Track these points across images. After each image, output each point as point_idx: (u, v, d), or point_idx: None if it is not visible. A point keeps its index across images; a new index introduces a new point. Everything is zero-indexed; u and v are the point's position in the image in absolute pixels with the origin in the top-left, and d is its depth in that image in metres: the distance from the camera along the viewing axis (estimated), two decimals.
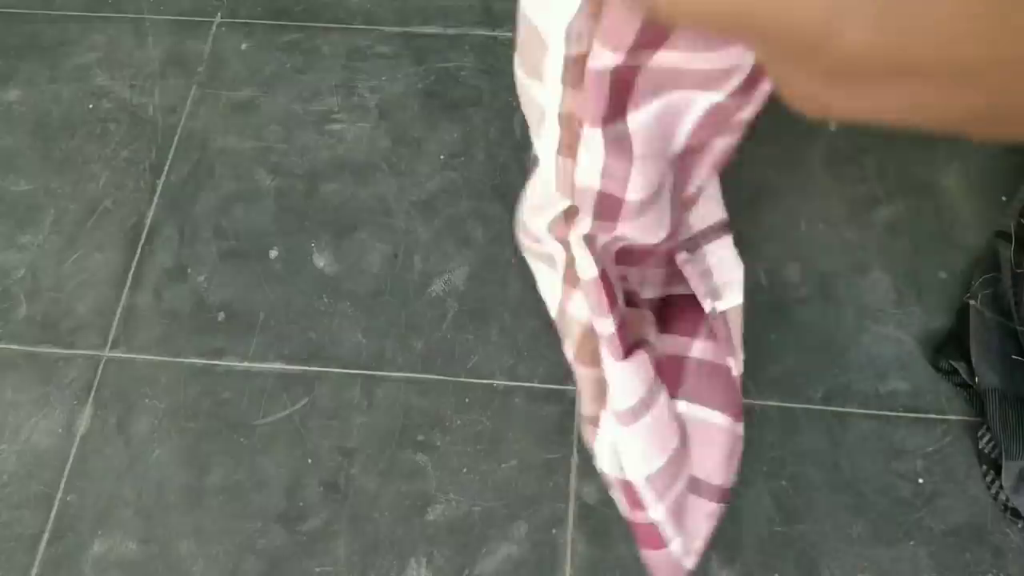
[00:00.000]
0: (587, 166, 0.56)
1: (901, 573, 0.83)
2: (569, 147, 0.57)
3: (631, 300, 0.74)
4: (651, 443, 0.71)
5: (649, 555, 0.75)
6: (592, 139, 0.54)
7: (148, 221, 1.05)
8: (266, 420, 0.93)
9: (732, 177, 1.05)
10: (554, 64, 0.52)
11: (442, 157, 1.08)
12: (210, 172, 1.08)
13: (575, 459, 0.90)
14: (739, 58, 0.52)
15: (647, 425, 0.70)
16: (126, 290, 1.00)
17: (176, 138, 1.10)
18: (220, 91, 1.14)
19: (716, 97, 0.55)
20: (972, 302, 0.89)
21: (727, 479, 0.76)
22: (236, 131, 1.11)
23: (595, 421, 0.72)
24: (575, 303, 0.71)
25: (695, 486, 0.75)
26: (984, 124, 0.25)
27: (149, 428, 0.92)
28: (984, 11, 0.22)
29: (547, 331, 0.96)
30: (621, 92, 0.52)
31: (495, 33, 1.17)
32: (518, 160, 1.07)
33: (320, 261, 1.02)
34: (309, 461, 0.90)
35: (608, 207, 0.59)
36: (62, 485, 0.90)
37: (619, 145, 0.55)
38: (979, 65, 0.23)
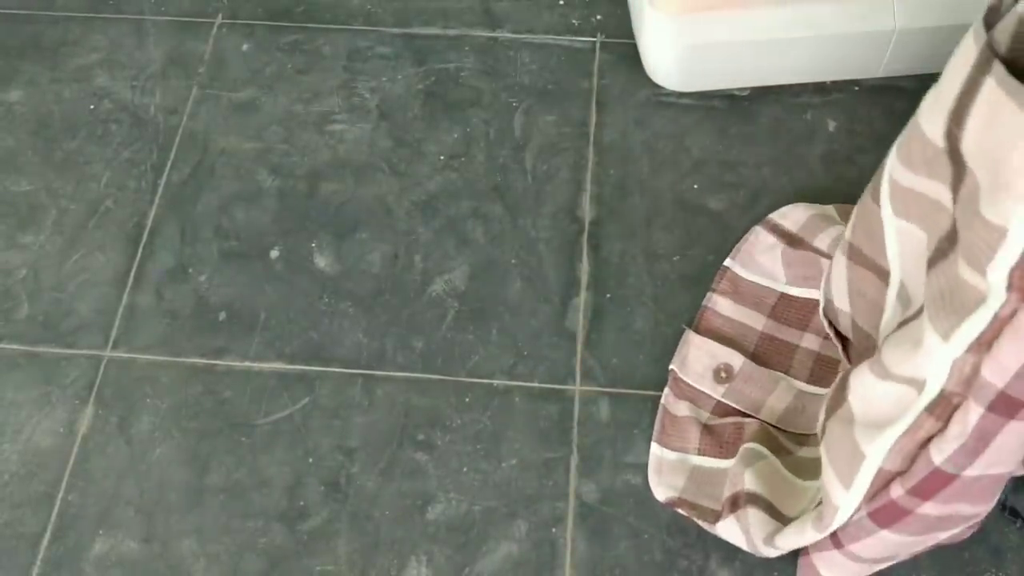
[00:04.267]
0: (1006, 362, 0.57)
1: (900, 572, 0.83)
2: (986, 343, 0.57)
3: None
4: None
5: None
6: None
7: (149, 221, 1.05)
8: (267, 419, 0.93)
9: (732, 177, 1.06)
10: (1006, 258, 0.54)
11: (442, 157, 1.08)
12: (211, 172, 1.08)
13: (575, 459, 0.90)
14: None
15: None
16: (127, 290, 1.01)
17: (177, 138, 1.11)
18: (221, 92, 1.14)
19: None
20: None
21: None
22: (237, 131, 1.11)
23: None
24: None
25: None
26: None
27: (150, 427, 0.93)
28: None
29: (547, 331, 0.97)
30: None
31: (495, 34, 1.17)
32: (518, 160, 1.07)
33: (321, 261, 1.02)
34: (310, 460, 0.91)
35: (1006, 407, 0.59)
36: (63, 484, 0.90)
37: None
38: None
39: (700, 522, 0.85)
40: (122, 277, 1.02)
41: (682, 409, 0.90)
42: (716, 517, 0.84)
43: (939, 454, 0.63)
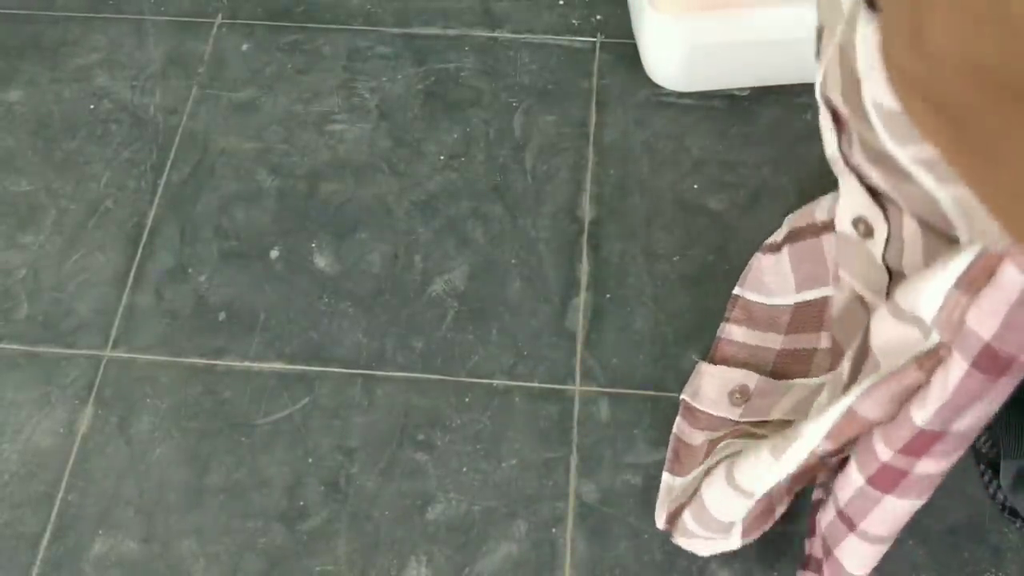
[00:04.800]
0: (988, 308, 0.54)
1: (900, 572, 0.83)
2: (972, 283, 0.55)
3: None
4: None
5: None
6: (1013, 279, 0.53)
7: (149, 221, 1.05)
8: (267, 420, 0.93)
9: (732, 177, 1.06)
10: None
11: (442, 157, 1.08)
12: (211, 172, 1.08)
13: (575, 458, 0.90)
14: None
15: None
16: (127, 290, 1.01)
17: (177, 138, 1.11)
18: (221, 92, 1.14)
19: None
20: None
21: None
22: (237, 131, 1.11)
23: None
24: None
25: None
26: None
27: (150, 428, 0.93)
28: None
29: (547, 331, 0.97)
30: None
31: (495, 34, 1.17)
32: (518, 160, 1.08)
33: (321, 261, 1.02)
34: (309, 460, 0.91)
35: (992, 364, 0.56)
36: (63, 484, 0.90)
37: None
38: None
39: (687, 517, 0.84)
40: (122, 277, 1.02)
41: (698, 438, 0.88)
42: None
43: (920, 416, 0.60)
